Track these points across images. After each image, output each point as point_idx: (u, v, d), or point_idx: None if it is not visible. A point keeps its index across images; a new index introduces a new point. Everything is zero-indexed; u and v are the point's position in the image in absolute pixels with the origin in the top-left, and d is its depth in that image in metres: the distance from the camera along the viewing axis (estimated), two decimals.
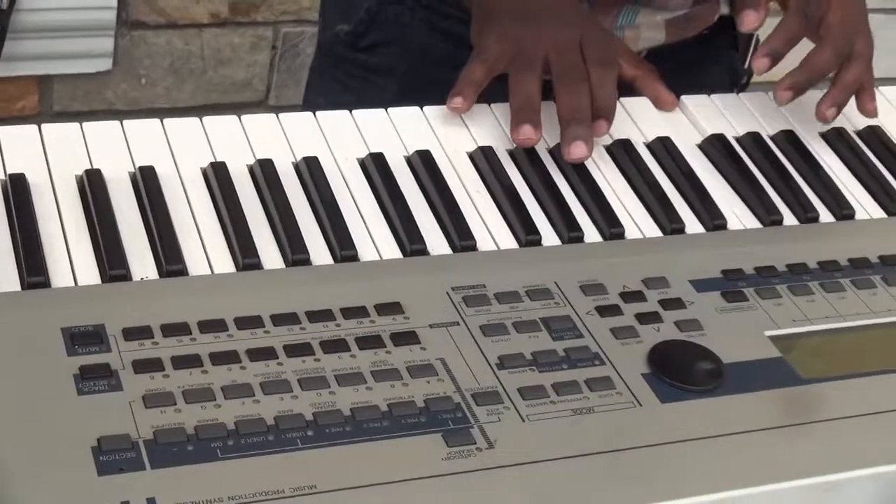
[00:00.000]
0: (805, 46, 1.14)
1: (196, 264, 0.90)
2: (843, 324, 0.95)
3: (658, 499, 0.78)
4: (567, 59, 1.07)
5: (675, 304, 0.93)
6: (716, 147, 1.10)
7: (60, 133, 0.98)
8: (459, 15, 1.16)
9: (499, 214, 0.99)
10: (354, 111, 1.05)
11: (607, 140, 1.08)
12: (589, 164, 1.05)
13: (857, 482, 0.84)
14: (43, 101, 2.06)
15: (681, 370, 0.87)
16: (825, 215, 1.06)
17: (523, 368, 0.86)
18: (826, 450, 0.84)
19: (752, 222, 1.04)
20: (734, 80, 1.39)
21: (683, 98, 1.15)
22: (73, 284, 0.87)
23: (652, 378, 0.87)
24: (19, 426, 0.75)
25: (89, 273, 0.87)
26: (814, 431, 0.85)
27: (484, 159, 1.03)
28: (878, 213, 1.08)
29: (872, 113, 1.16)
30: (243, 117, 1.03)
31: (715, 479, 0.81)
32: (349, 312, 0.87)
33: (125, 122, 1.00)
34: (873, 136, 1.16)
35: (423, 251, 0.94)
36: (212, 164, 0.97)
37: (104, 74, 2.04)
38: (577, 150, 1.04)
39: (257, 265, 0.90)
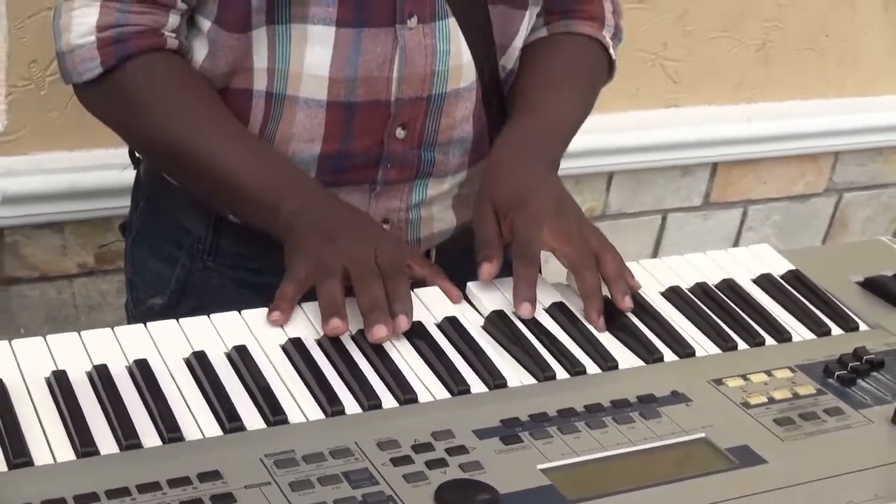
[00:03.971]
0: None
1: (41, 455, 1.04)
2: (605, 453, 1.12)
3: None
4: (362, 266, 1.27)
5: (459, 450, 1.09)
6: (496, 321, 1.28)
7: None
8: (264, 268, 1.31)
9: (307, 392, 1.15)
10: (181, 320, 1.22)
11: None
12: (387, 344, 1.22)
13: None
14: None
15: (462, 502, 1.03)
16: (592, 368, 1.24)
17: None
18: None
19: (528, 380, 1.21)
20: None
21: (469, 284, 1.34)
22: None
23: None
24: None
25: None
26: None
27: (294, 349, 1.20)
28: (637, 363, 1.26)
29: (636, 287, 1.36)
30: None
31: None
32: (174, 482, 1.02)
33: None
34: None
35: (241, 427, 1.10)
36: (53, 372, 1.13)
37: None
38: (377, 332, 1.21)
39: (95, 452, 1.05)
